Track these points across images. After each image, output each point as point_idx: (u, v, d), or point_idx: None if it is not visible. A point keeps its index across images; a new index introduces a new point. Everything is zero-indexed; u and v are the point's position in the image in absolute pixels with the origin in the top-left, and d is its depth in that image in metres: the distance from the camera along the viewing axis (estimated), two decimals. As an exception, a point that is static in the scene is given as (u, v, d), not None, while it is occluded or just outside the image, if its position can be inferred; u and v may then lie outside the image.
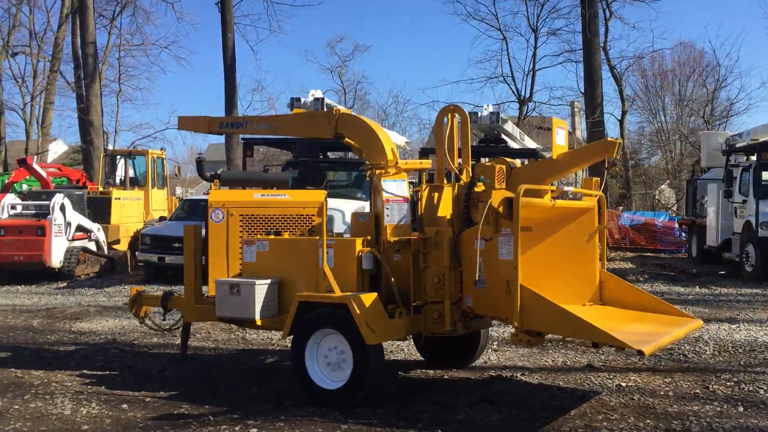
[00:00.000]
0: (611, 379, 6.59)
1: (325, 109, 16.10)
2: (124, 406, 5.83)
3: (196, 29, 68.57)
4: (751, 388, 6.23)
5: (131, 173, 23.27)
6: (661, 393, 6.10)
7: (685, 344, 8.14)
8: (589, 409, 5.64)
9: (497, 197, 5.23)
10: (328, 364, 5.77)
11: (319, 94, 15.39)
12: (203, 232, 7.15)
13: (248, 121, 7.76)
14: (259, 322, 6.18)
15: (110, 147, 31.65)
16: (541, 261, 6.36)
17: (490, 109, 16.88)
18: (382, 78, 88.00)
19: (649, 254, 21.40)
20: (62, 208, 15.87)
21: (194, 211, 15.99)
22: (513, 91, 32.55)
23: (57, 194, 16.39)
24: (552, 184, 6.30)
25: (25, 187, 21.83)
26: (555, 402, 5.87)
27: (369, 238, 6.13)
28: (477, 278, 5.49)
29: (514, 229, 5.14)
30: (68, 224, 16.05)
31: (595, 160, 5.80)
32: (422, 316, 6.00)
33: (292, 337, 5.94)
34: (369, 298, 5.68)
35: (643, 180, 38.69)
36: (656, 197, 36.38)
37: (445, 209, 6.10)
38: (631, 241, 22.95)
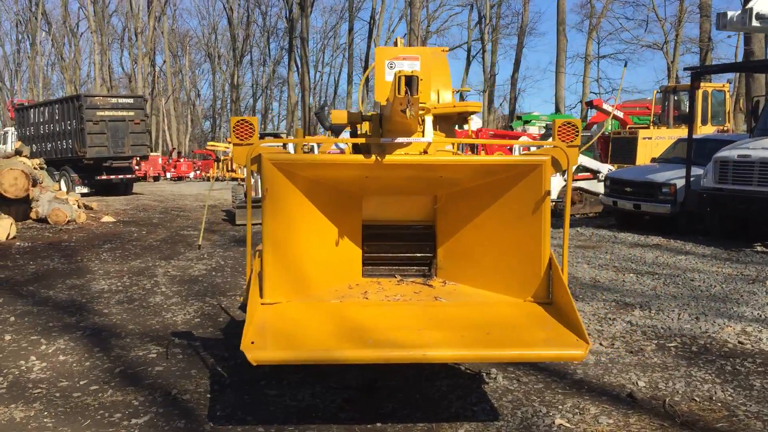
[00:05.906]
0: (587, 414, 4.42)
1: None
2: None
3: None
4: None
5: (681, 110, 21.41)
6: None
7: None
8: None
9: (239, 154, 4.35)
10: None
11: None
12: None
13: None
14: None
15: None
16: (480, 238, 4.83)
17: None
18: None
19: None
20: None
21: (698, 152, 13.61)
22: None
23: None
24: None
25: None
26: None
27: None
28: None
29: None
30: None
31: (397, 106, 3.92)
32: None
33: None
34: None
35: None
36: None
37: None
38: None
